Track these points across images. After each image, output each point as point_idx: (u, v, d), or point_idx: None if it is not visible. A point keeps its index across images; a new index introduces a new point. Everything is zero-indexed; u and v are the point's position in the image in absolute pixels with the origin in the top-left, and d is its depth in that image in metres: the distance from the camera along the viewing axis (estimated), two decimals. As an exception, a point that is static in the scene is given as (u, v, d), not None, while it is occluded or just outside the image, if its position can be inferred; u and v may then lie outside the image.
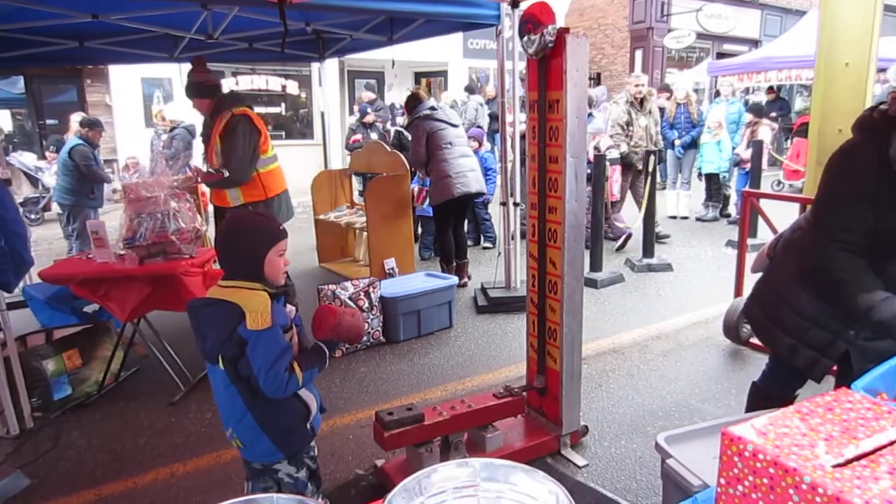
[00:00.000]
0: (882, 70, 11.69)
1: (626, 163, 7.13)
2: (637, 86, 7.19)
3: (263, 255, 1.94)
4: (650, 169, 6.31)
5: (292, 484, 2.07)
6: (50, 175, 7.93)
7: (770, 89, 13.52)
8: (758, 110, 8.68)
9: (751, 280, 5.24)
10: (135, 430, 3.39)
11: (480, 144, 7.11)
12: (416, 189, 6.59)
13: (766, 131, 8.41)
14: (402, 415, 2.62)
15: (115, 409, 3.63)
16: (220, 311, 1.89)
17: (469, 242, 6.56)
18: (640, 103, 7.17)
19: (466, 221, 6.49)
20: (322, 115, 8.67)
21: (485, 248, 7.31)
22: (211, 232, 4.90)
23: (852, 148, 2.12)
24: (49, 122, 12.29)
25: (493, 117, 9.92)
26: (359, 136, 8.65)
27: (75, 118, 7.42)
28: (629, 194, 7.46)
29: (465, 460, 1.07)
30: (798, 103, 16.86)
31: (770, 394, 2.53)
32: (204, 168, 4.36)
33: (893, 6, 20.29)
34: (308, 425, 2.08)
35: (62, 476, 2.96)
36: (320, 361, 2.02)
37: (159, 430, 3.37)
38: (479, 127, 8.80)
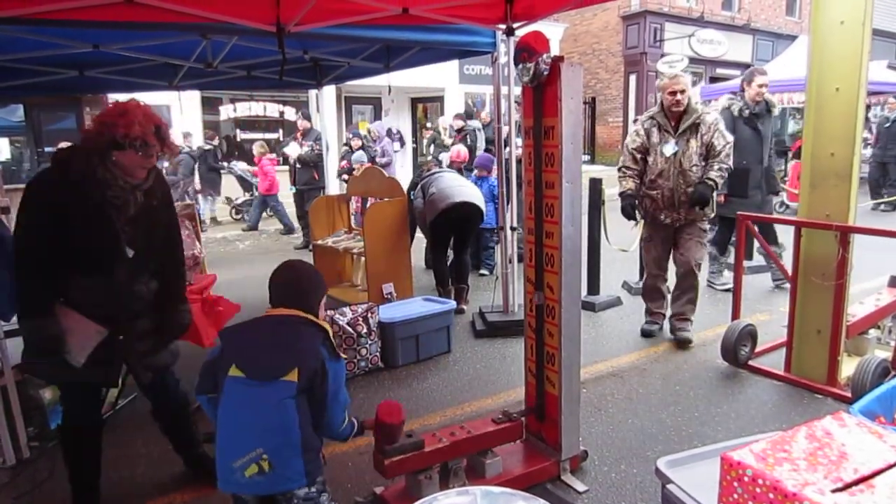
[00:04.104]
0: (873, 93, 11.90)
1: (635, 211, 4.74)
2: (672, 93, 4.45)
3: (321, 300, 2.28)
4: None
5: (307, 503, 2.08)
6: None
7: None
8: None
9: (749, 302, 5.27)
10: (132, 459, 3.36)
11: (489, 172, 6.78)
12: None
13: None
14: (402, 442, 2.61)
15: (112, 437, 3.58)
16: (308, 328, 2.10)
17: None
18: (674, 119, 4.54)
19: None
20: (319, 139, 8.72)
21: (481, 274, 7.19)
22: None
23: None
24: (48, 149, 12.37)
25: (489, 142, 9.99)
26: (344, 162, 8.81)
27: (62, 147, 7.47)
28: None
29: (465, 488, 1.07)
30: (791, 126, 17.03)
31: None
32: None
33: (882, 31, 20.65)
34: (321, 456, 2.16)
35: (57, 506, 2.92)
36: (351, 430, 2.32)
37: (157, 459, 3.34)
38: (486, 151, 8.73)
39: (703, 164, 4.51)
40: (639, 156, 4.66)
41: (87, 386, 2.69)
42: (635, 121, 4.93)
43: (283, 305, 2.17)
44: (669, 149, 4.51)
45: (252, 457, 1.96)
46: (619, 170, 4.78)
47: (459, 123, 9.38)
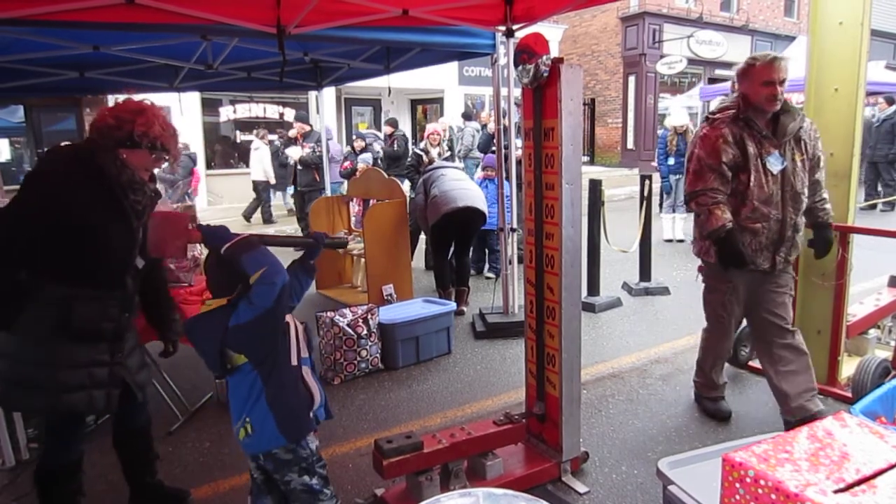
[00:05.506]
0: (871, 94, 11.89)
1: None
2: (770, 83, 3.03)
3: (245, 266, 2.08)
4: (646, 193, 6.35)
5: (306, 491, 2.09)
6: None
7: None
8: None
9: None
10: (131, 460, 3.35)
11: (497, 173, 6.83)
12: None
13: None
14: (401, 443, 2.61)
15: (109, 441, 3.59)
16: (212, 317, 2.02)
17: (472, 272, 6.59)
18: (765, 122, 3.14)
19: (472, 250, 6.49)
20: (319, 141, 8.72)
21: (487, 277, 7.07)
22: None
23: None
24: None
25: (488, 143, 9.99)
26: (347, 163, 8.85)
27: None
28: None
29: (467, 490, 1.07)
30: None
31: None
32: None
33: (880, 31, 20.67)
34: (312, 414, 2.16)
35: (58, 508, 2.91)
36: (240, 247, 2.03)
37: (156, 461, 3.33)
38: (492, 152, 8.72)
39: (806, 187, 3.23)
40: (729, 174, 3.14)
41: (80, 416, 2.43)
42: (709, 119, 3.28)
43: (215, 296, 2.10)
44: (777, 163, 3.11)
45: (241, 422, 2.08)
46: (704, 194, 3.14)
47: (389, 129, 9.58)
